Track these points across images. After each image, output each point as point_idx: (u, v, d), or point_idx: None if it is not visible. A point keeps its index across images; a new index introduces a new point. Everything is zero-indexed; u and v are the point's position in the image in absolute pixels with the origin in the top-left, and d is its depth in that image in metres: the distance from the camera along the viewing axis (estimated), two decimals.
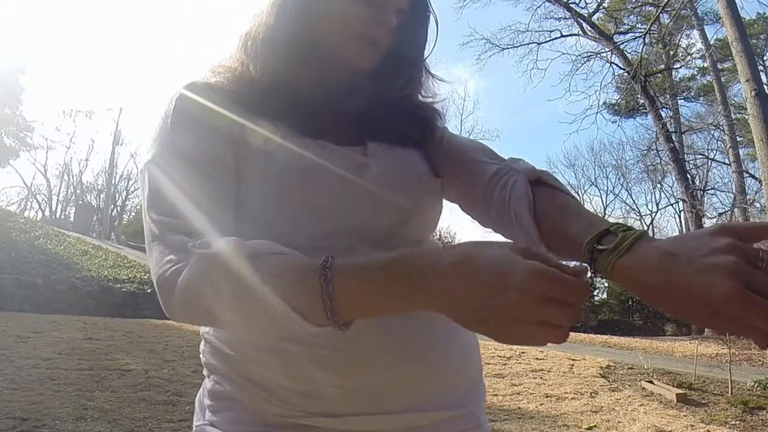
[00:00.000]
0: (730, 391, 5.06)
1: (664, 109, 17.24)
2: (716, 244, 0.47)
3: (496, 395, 4.91)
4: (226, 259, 0.55)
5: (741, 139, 15.43)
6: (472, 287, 0.47)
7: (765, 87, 8.49)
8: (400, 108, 0.78)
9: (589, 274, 0.51)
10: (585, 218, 0.62)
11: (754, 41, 16.78)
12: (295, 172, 0.67)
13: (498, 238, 0.73)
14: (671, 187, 25.05)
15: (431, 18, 0.79)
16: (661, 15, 13.61)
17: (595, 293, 21.51)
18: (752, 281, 0.44)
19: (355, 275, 0.53)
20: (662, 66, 18.32)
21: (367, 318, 0.56)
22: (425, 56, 0.81)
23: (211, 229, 0.61)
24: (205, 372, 0.75)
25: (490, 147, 0.83)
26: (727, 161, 17.77)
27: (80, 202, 32.38)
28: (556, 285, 0.46)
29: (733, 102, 16.45)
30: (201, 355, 0.75)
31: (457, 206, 0.82)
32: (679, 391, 4.95)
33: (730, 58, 12.12)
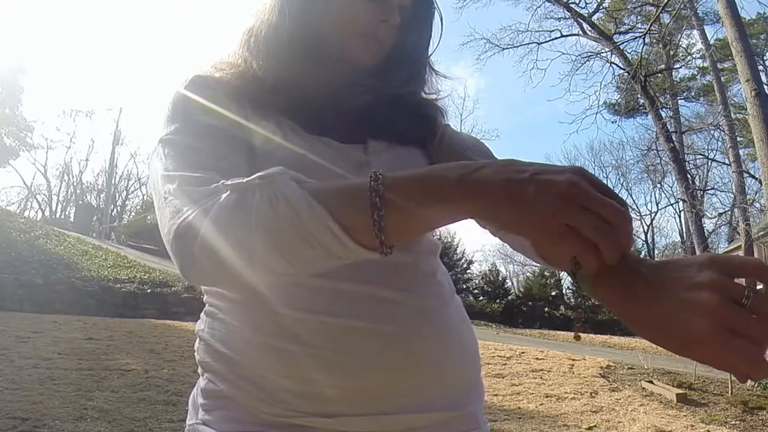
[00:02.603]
0: (730, 391, 5.06)
1: (664, 109, 17.23)
2: (701, 278, 0.44)
3: (496, 395, 4.91)
4: (271, 180, 0.52)
5: (741, 139, 15.42)
6: (520, 170, 0.47)
7: (765, 87, 8.48)
8: (402, 105, 0.78)
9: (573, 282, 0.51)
10: None
11: (754, 41, 16.79)
12: (297, 168, 0.67)
13: (494, 240, 0.72)
14: (671, 187, 25.12)
15: (435, 15, 0.79)
16: (661, 15, 13.60)
17: None
18: (733, 322, 0.42)
19: (405, 183, 0.50)
20: (662, 66, 18.31)
21: (415, 235, 0.54)
22: (429, 53, 0.81)
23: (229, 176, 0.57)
24: (199, 370, 0.74)
25: (488, 147, 0.83)
26: (727, 161, 17.75)
27: (80, 202, 32.37)
28: (599, 182, 0.46)
29: (733, 102, 16.45)
30: (195, 353, 0.75)
31: None
32: (679, 391, 4.95)
33: (730, 58, 12.11)
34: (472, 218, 0.53)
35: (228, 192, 0.53)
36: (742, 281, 0.45)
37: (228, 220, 0.52)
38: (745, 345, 0.42)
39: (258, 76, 0.72)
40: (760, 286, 0.49)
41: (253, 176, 0.53)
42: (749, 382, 5.24)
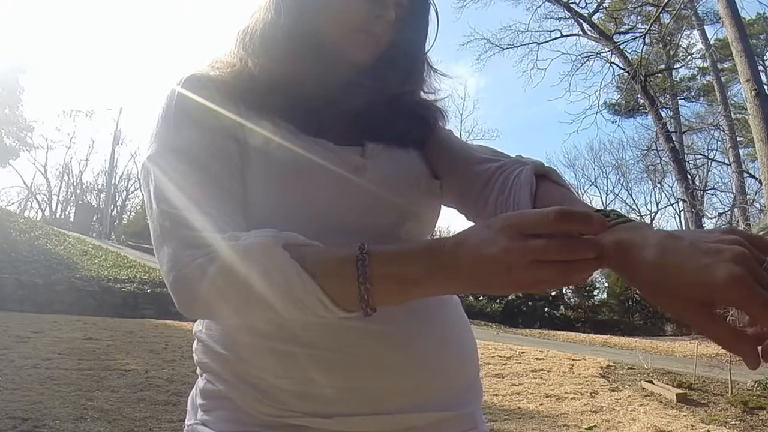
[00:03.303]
0: (730, 391, 5.06)
1: (664, 109, 17.25)
2: (725, 237, 0.44)
3: (496, 395, 4.91)
4: (266, 245, 0.55)
5: (741, 139, 15.42)
6: (469, 250, 0.50)
7: (765, 87, 8.48)
8: (400, 106, 0.78)
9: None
10: (585, 207, 0.60)
11: (754, 41, 16.77)
12: (293, 171, 0.67)
13: None
14: (671, 187, 25.11)
15: (431, 11, 0.78)
16: (661, 15, 13.60)
17: (594, 293, 21.49)
18: (759, 275, 0.41)
19: (388, 262, 0.54)
20: (662, 66, 18.33)
21: (396, 303, 0.57)
22: (427, 50, 0.80)
23: (222, 224, 0.60)
24: (197, 371, 0.74)
25: (494, 148, 0.82)
26: (727, 161, 17.77)
27: (80, 202, 32.38)
28: (527, 219, 0.48)
29: (733, 102, 16.45)
30: (194, 354, 0.75)
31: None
32: (679, 391, 4.95)
33: (730, 58, 12.11)
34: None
35: (226, 253, 0.57)
36: None
37: (225, 282, 0.57)
38: None
39: (253, 75, 0.71)
40: None
41: (249, 240, 0.56)
42: (749, 382, 5.24)
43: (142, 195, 0.69)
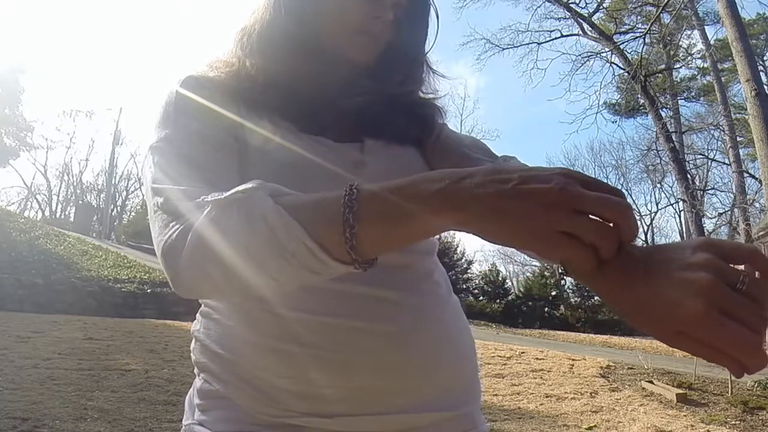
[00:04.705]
0: (730, 391, 5.06)
1: (664, 109, 17.24)
2: (695, 259, 0.42)
3: (496, 395, 4.91)
4: (247, 195, 0.51)
5: (741, 139, 15.43)
6: (505, 180, 0.44)
7: (765, 87, 8.48)
8: (399, 105, 0.78)
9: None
10: None
11: (754, 41, 16.78)
12: (291, 168, 0.67)
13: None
14: (671, 187, 25.15)
15: (431, 12, 0.78)
16: (661, 15, 13.60)
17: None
18: (727, 304, 0.40)
19: (381, 192, 0.48)
20: (662, 66, 18.32)
21: (392, 248, 0.51)
22: (426, 51, 0.80)
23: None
24: (195, 370, 0.74)
25: (486, 145, 0.83)
26: (727, 161, 17.78)
27: (80, 202, 32.39)
28: (590, 179, 0.44)
29: (733, 102, 16.45)
30: (192, 354, 0.75)
31: None
32: (679, 391, 4.95)
33: (730, 58, 12.12)
34: (456, 230, 0.51)
35: (209, 208, 0.53)
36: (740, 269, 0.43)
37: (208, 237, 0.52)
38: (740, 329, 0.40)
39: (251, 75, 0.72)
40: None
41: (232, 192, 0.52)
42: (749, 382, 5.24)
43: (143, 188, 0.68)
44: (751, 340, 0.40)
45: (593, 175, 0.55)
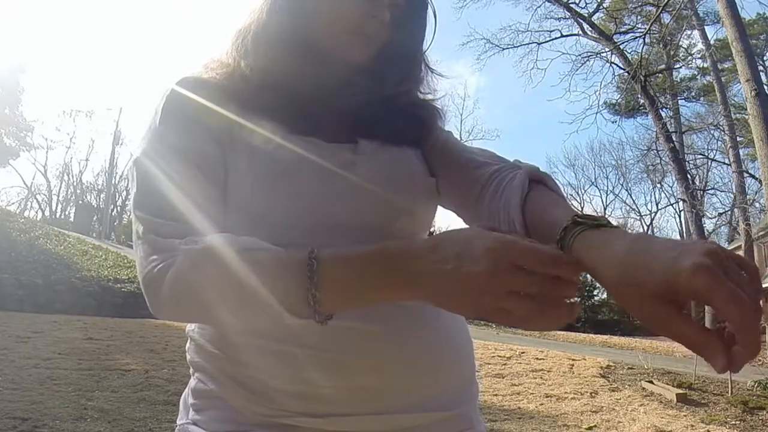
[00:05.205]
0: (730, 391, 5.06)
1: (664, 109, 17.25)
2: (696, 245, 0.43)
3: (496, 395, 4.91)
4: (217, 252, 0.56)
5: (741, 139, 15.42)
6: (445, 261, 0.49)
7: (765, 87, 8.48)
8: (396, 106, 0.77)
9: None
10: (571, 212, 0.60)
11: (754, 41, 16.79)
12: (281, 169, 0.67)
13: None
14: (671, 187, 25.17)
15: (429, 11, 0.78)
16: (661, 15, 13.60)
17: (594, 293, 21.49)
18: (727, 269, 0.41)
19: (340, 265, 0.54)
20: (662, 66, 18.33)
21: (351, 309, 0.58)
22: (424, 51, 0.80)
23: (198, 227, 0.61)
24: (190, 370, 0.74)
25: (494, 152, 0.82)
26: (727, 161, 17.78)
27: (80, 202, 32.41)
28: (523, 251, 0.47)
29: (733, 102, 16.45)
30: (186, 353, 0.75)
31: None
32: (679, 391, 4.96)
33: (730, 58, 12.12)
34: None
35: (182, 258, 0.58)
36: None
37: (184, 284, 0.58)
38: (742, 294, 0.40)
39: (245, 76, 0.71)
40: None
41: (203, 246, 0.57)
42: (749, 382, 5.24)
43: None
44: (747, 301, 0.40)
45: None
